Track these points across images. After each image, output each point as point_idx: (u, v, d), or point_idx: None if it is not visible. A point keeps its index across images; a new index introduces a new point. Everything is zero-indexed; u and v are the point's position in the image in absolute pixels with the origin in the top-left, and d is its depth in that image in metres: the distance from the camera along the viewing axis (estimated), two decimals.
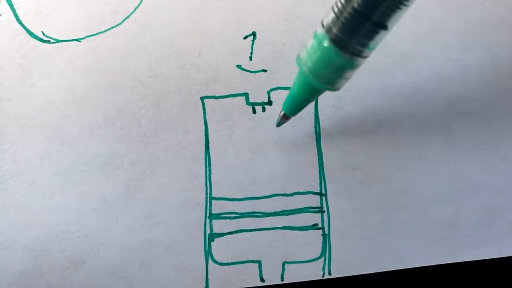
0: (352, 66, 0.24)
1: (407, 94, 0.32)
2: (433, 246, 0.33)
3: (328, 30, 0.23)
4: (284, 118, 0.29)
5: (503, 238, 0.33)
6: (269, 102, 0.32)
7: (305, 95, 0.27)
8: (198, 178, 0.31)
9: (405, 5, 0.22)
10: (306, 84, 0.26)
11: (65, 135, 0.31)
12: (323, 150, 0.32)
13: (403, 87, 0.32)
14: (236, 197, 0.32)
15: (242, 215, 0.32)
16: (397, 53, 0.32)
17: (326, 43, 0.23)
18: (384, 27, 0.22)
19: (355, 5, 0.22)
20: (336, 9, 0.23)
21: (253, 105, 0.31)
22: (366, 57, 0.24)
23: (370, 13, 0.22)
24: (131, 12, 0.31)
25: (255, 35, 0.31)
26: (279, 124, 0.30)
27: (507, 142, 0.33)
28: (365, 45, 0.23)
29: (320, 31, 0.24)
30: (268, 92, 0.31)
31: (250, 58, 0.31)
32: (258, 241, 0.32)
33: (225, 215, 0.32)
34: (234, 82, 0.31)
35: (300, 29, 0.31)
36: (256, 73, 0.31)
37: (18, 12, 0.30)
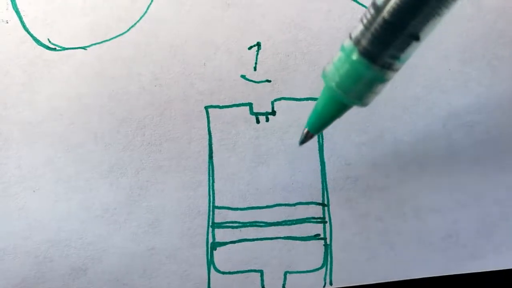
0: (382, 80, 0.23)
1: (408, 105, 0.32)
2: (432, 257, 0.33)
3: (357, 42, 0.22)
4: (309, 137, 0.27)
5: (502, 250, 0.33)
6: (273, 112, 0.32)
7: (331, 112, 0.25)
8: (201, 186, 0.32)
9: (439, 15, 0.21)
10: (333, 100, 0.24)
11: (69, 142, 0.31)
12: (326, 160, 0.32)
13: (404, 98, 0.32)
14: (239, 206, 0.32)
15: (244, 225, 0.32)
16: None
17: (355, 56, 0.22)
18: (416, 38, 0.21)
19: (385, 15, 0.21)
20: (365, 20, 0.22)
21: (256, 115, 0.32)
22: (397, 70, 0.23)
23: (401, 24, 0.21)
24: (136, 21, 0.31)
25: (260, 45, 0.31)
26: (302, 142, 0.28)
27: (507, 154, 0.33)
28: (396, 57, 0.22)
29: (348, 43, 0.23)
30: (272, 102, 0.32)
31: (255, 68, 0.31)
32: (260, 251, 0.32)
33: (227, 224, 0.32)
34: (238, 92, 0.31)
35: (304, 40, 0.32)
36: (260, 83, 0.32)
37: (24, 19, 0.30)
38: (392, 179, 0.33)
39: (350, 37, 0.23)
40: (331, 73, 0.24)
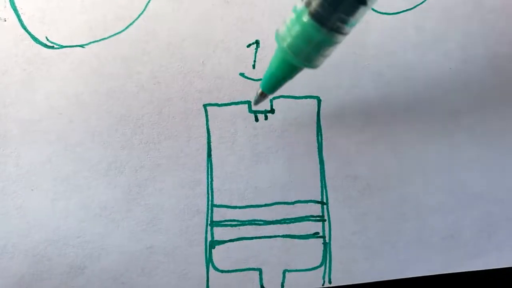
0: (331, 43, 0.23)
1: (409, 104, 0.32)
2: (433, 256, 0.33)
3: (308, 4, 0.23)
4: (262, 96, 0.28)
5: (503, 248, 0.33)
6: (272, 111, 0.32)
7: (283, 73, 0.26)
8: (200, 185, 0.32)
9: None
10: (284, 61, 0.25)
11: (67, 141, 0.31)
12: (325, 159, 0.32)
13: (404, 97, 0.32)
14: (238, 205, 0.32)
15: (243, 223, 0.32)
16: (399, 63, 0.32)
17: (305, 18, 0.23)
18: (364, 2, 0.22)
19: None
20: None
21: (255, 113, 0.32)
22: (345, 34, 0.23)
23: None
24: (135, 19, 0.31)
25: (258, 43, 0.31)
26: (256, 102, 0.28)
27: (508, 153, 0.33)
28: (345, 21, 0.22)
29: (300, 5, 0.23)
30: (271, 101, 0.32)
31: (253, 66, 0.31)
32: (259, 249, 0.32)
33: (226, 223, 0.32)
34: (237, 90, 0.31)
35: None
36: (259, 81, 0.31)
37: (22, 17, 0.30)
38: (391, 178, 0.32)
39: None
40: (283, 33, 0.24)
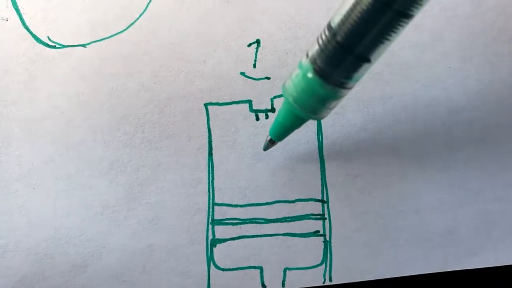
0: (335, 97, 0.24)
1: (408, 102, 0.32)
2: (432, 253, 0.33)
3: (313, 61, 0.23)
4: (271, 143, 0.29)
5: (502, 246, 0.33)
6: (272, 110, 0.32)
7: (290, 123, 0.27)
8: (201, 184, 0.32)
9: (388, 40, 0.22)
10: (291, 113, 0.26)
11: (69, 140, 0.31)
12: (325, 157, 0.32)
13: (403, 96, 0.32)
14: (239, 203, 0.32)
15: (244, 221, 0.32)
16: (398, 62, 0.32)
17: (310, 74, 0.24)
18: (367, 60, 0.22)
19: (338, 38, 0.22)
20: (320, 41, 0.23)
21: (256, 112, 0.32)
22: (349, 88, 0.24)
23: (353, 47, 0.22)
24: (136, 18, 0.31)
25: (259, 42, 0.32)
26: (265, 148, 0.30)
27: (506, 150, 0.33)
28: (348, 77, 0.23)
29: (305, 61, 0.24)
30: (272, 100, 0.32)
31: (254, 66, 0.32)
32: (260, 247, 0.32)
33: (227, 221, 0.32)
34: (237, 89, 0.32)
35: (303, 38, 0.32)
36: (260, 81, 0.32)
37: (24, 17, 0.30)
38: (391, 176, 0.33)
39: (307, 55, 0.24)
40: (289, 88, 0.25)
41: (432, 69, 0.32)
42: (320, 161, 0.32)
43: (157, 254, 0.32)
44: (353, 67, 0.23)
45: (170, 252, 0.32)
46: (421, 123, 0.33)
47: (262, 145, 0.32)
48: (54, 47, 0.31)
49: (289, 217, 0.32)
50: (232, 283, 0.32)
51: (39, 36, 0.30)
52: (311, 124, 0.32)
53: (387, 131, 0.32)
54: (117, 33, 0.31)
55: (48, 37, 0.31)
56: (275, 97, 0.32)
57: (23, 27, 0.30)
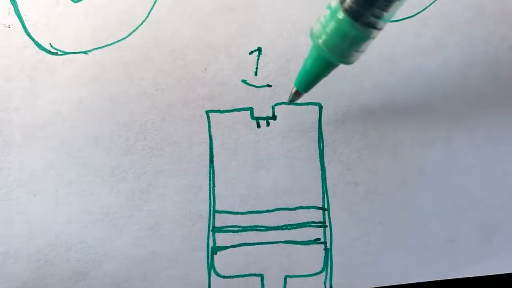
0: (366, 38, 0.24)
1: (409, 110, 0.32)
2: (433, 261, 0.33)
3: (342, 1, 0.23)
4: (296, 95, 0.28)
5: (503, 254, 0.33)
6: (274, 117, 0.32)
7: (318, 70, 0.26)
8: (202, 191, 0.32)
9: None
10: (319, 58, 0.25)
11: (70, 146, 0.31)
12: (326, 165, 0.32)
13: (405, 103, 0.32)
14: (240, 211, 0.32)
15: (245, 229, 0.32)
16: (400, 69, 0.32)
17: (340, 15, 0.23)
18: None
19: None
20: None
21: (257, 119, 0.32)
22: (380, 29, 0.23)
23: None
24: (138, 25, 0.31)
25: (261, 50, 0.32)
26: (290, 101, 0.29)
27: (508, 158, 0.33)
28: (379, 16, 0.23)
29: (334, 2, 0.23)
30: (273, 107, 0.32)
31: (255, 73, 0.32)
32: (261, 255, 0.32)
33: (228, 229, 0.32)
34: (239, 96, 0.32)
35: (305, 45, 0.32)
36: (261, 88, 0.32)
37: (26, 24, 0.30)
38: (392, 183, 0.33)
39: None
40: (318, 31, 0.24)
41: (433, 76, 0.32)
42: (321, 169, 0.32)
43: (158, 261, 0.32)
44: (384, 4, 0.22)
45: (171, 259, 0.32)
46: (422, 131, 0.33)
47: (264, 151, 0.32)
48: (56, 54, 0.31)
49: (290, 225, 0.32)
50: None
51: (41, 43, 0.30)
52: (311, 131, 0.32)
53: (388, 138, 0.32)
54: (118, 40, 0.31)
55: (50, 44, 0.31)
56: (276, 104, 0.32)
57: (25, 34, 0.30)
